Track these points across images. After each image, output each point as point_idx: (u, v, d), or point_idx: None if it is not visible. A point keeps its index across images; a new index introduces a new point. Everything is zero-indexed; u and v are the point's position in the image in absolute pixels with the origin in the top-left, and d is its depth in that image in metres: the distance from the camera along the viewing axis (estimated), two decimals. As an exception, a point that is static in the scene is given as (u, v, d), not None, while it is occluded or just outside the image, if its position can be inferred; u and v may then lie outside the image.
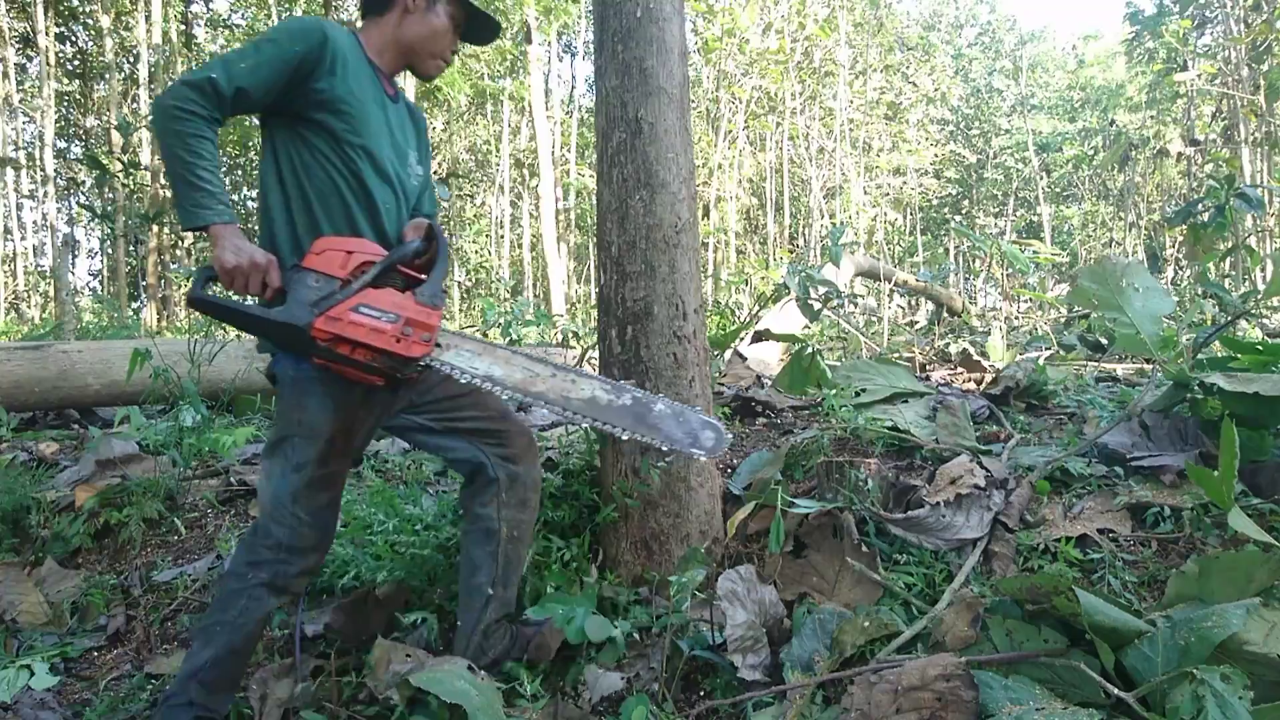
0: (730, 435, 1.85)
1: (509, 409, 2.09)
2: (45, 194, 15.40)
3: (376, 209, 1.85)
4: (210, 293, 1.71)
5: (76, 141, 20.71)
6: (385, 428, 2.00)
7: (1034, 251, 7.49)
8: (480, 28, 2.04)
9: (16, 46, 16.45)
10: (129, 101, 17.23)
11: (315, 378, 1.78)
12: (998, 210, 24.78)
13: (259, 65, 1.70)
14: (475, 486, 2.03)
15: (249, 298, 1.75)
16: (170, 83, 1.69)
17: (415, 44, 1.94)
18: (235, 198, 25.44)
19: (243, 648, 1.81)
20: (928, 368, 5.33)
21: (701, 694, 1.96)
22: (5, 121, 15.38)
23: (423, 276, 1.82)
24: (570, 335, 6.68)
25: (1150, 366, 3.68)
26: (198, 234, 1.72)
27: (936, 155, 20.58)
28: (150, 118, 1.69)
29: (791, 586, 2.20)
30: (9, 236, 17.40)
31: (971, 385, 4.19)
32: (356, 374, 1.74)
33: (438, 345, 1.78)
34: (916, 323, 9.85)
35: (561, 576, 2.21)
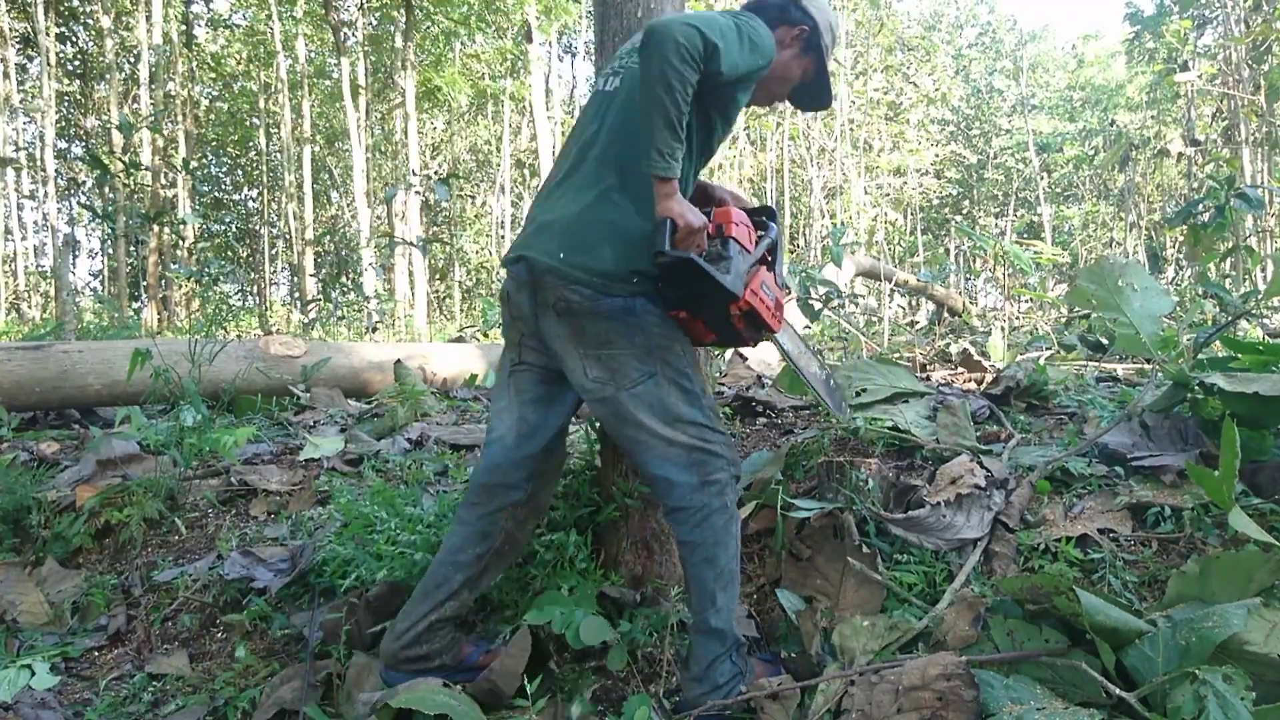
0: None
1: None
2: (46, 194, 15.39)
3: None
4: (687, 256, 1.69)
5: (77, 141, 20.72)
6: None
7: (1035, 251, 7.49)
8: (813, 97, 2.03)
9: (17, 46, 16.45)
10: (129, 101, 17.23)
11: (673, 323, 1.84)
12: (998, 210, 24.77)
13: (738, 67, 1.68)
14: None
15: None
16: (684, 23, 1.60)
17: (769, 74, 1.88)
18: (236, 197, 25.48)
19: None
20: (928, 368, 5.32)
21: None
22: (5, 121, 15.38)
23: (769, 257, 1.93)
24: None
25: (1150, 366, 3.68)
26: (661, 180, 1.67)
27: (937, 155, 20.58)
28: (656, 34, 1.60)
29: (797, 590, 2.20)
30: (9, 236, 17.41)
31: (972, 385, 4.18)
32: (701, 331, 1.88)
33: None
34: (917, 323, 9.86)
35: (574, 577, 2.21)
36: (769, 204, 2.09)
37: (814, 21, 1.94)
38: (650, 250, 1.69)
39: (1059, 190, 24.04)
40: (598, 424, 2.40)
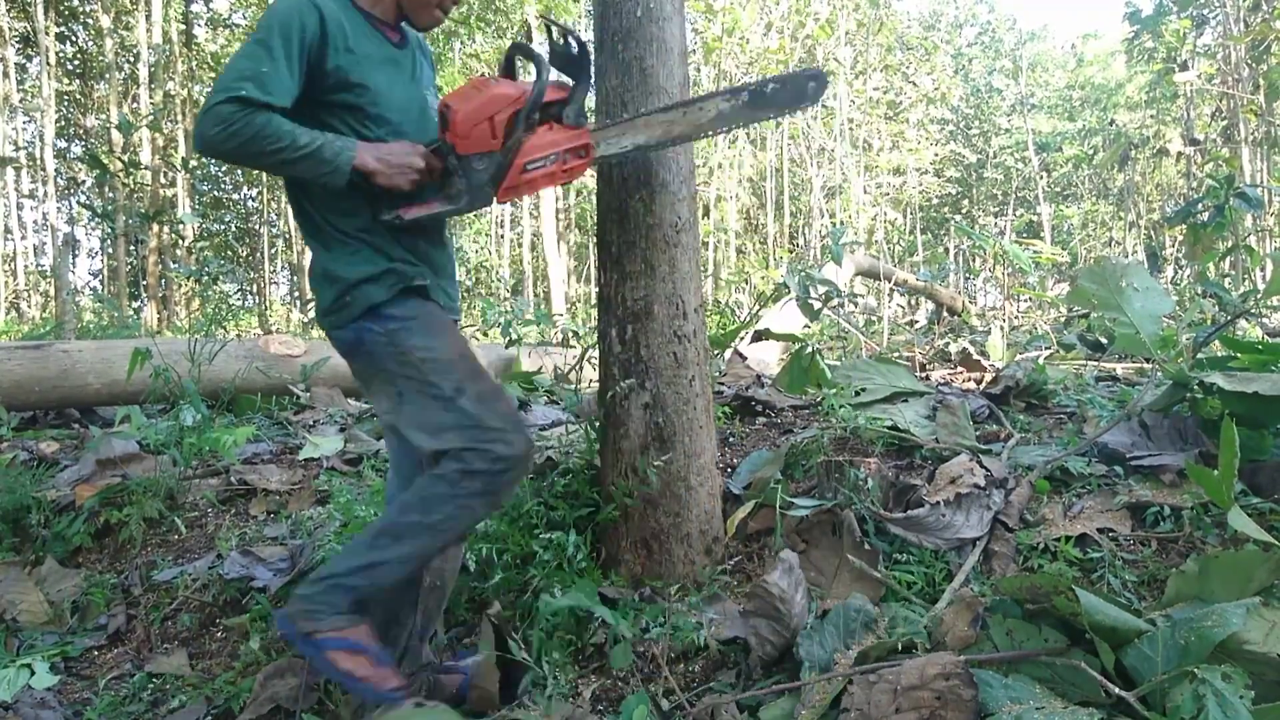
0: (828, 81, 2.10)
1: None
2: (45, 193, 15.40)
3: None
4: (397, 216, 1.73)
5: (77, 141, 20.71)
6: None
7: (1034, 251, 7.49)
8: None
9: (17, 46, 16.44)
10: (129, 101, 17.22)
11: (406, 322, 1.77)
12: (998, 210, 24.77)
13: (279, 70, 1.61)
14: None
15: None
16: (201, 115, 1.61)
17: None
18: (235, 197, 25.47)
19: (429, 556, 1.79)
20: (928, 367, 5.33)
21: (705, 691, 1.96)
22: (5, 121, 15.37)
23: (564, 95, 1.83)
24: (570, 334, 6.68)
25: (1150, 366, 3.68)
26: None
27: (936, 155, 20.57)
28: (203, 150, 1.63)
29: (790, 584, 2.20)
30: (9, 236, 17.41)
31: (971, 384, 4.19)
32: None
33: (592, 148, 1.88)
34: (916, 322, 9.86)
35: (572, 578, 2.21)
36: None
37: None
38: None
39: (1058, 189, 24.04)
40: (597, 423, 2.40)
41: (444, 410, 1.74)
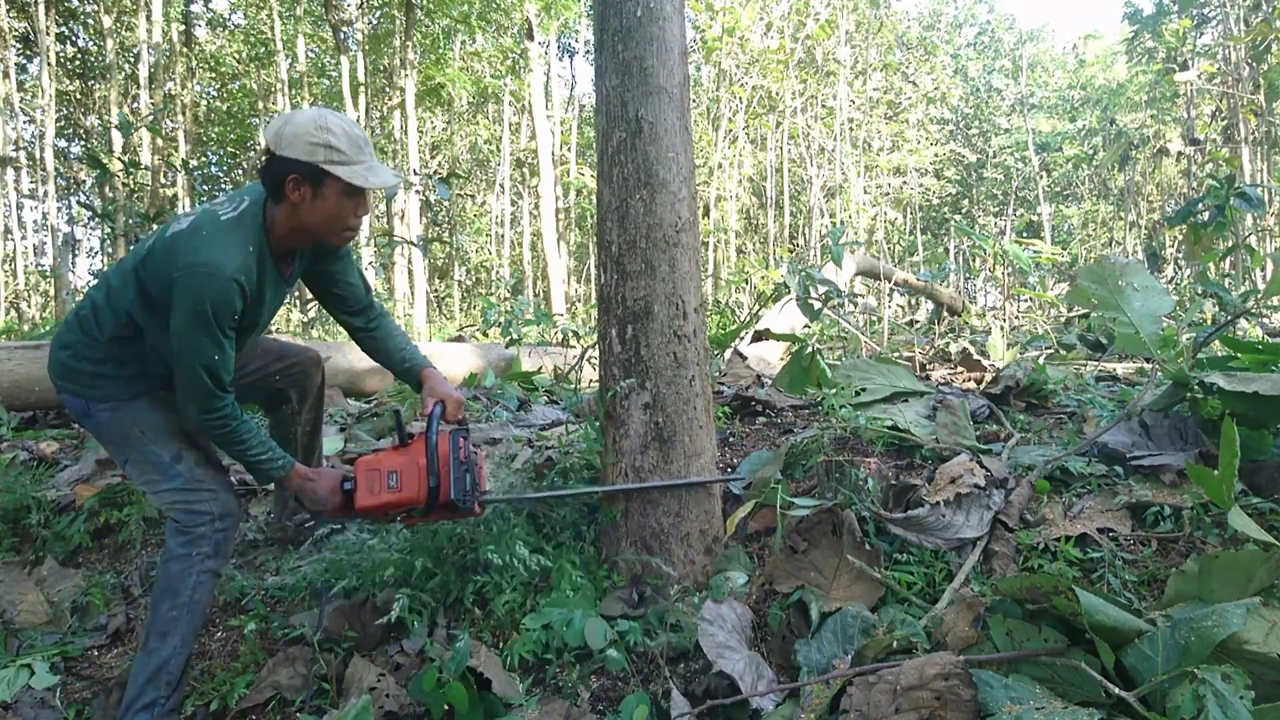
0: None
1: (286, 346, 2.51)
2: (45, 193, 15.39)
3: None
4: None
5: (77, 141, 20.70)
6: None
7: (1034, 251, 7.49)
8: (377, 182, 2.04)
9: (17, 47, 16.44)
10: (129, 101, 17.22)
11: (133, 402, 2.02)
12: (998, 210, 24.78)
13: (226, 355, 1.91)
14: (280, 412, 2.53)
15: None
16: (192, 403, 1.94)
17: (313, 227, 1.99)
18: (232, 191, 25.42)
19: (200, 627, 2.05)
20: (928, 367, 5.32)
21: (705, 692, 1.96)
22: (5, 121, 15.37)
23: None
24: (570, 334, 6.67)
25: (1150, 366, 3.68)
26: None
27: (936, 155, 20.56)
28: (193, 420, 1.98)
29: (789, 580, 2.20)
30: (9, 236, 17.39)
31: (971, 384, 4.19)
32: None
33: None
34: (916, 322, 9.85)
35: (574, 579, 2.21)
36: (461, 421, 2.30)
37: (294, 158, 1.90)
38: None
39: (1058, 189, 24.04)
40: (598, 423, 2.40)
41: (162, 476, 2.05)
